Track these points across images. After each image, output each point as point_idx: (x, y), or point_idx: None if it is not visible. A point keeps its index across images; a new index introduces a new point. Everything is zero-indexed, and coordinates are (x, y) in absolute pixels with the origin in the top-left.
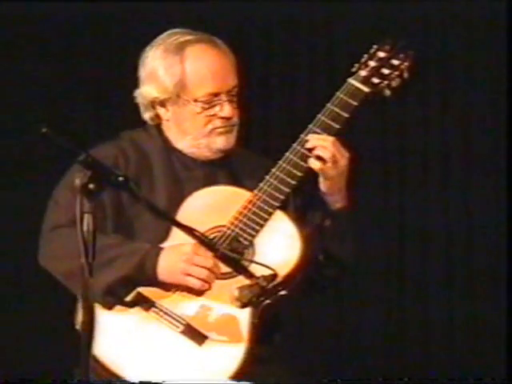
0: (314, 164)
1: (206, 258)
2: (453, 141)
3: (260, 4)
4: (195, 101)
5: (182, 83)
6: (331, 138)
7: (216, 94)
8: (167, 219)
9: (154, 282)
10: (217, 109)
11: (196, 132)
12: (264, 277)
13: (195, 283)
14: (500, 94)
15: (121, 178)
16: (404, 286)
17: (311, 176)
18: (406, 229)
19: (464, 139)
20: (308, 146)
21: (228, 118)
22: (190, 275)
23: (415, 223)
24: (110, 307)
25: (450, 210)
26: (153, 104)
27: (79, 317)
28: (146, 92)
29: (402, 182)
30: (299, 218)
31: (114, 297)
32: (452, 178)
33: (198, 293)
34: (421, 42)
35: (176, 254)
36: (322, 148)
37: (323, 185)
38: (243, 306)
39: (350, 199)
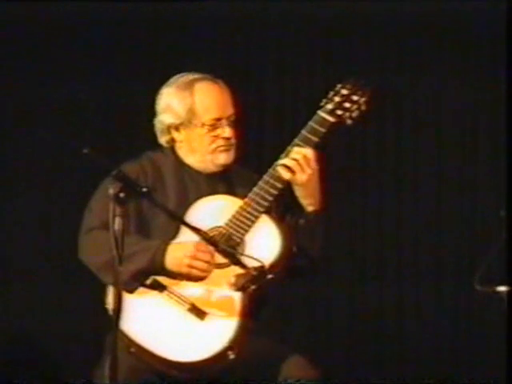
0: (283, 174)
1: (206, 253)
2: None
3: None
4: (202, 125)
5: (192, 111)
6: (303, 151)
7: (218, 119)
8: (178, 220)
9: (164, 272)
10: (219, 131)
11: (203, 150)
12: (254, 268)
13: (197, 274)
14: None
15: (144, 189)
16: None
17: (289, 188)
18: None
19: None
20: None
21: (228, 138)
22: (193, 267)
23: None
24: (131, 291)
25: (443, 209)
26: (169, 129)
27: (109, 298)
28: (163, 119)
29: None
30: (280, 220)
31: (135, 283)
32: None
33: (199, 280)
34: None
35: (181, 251)
36: (290, 160)
37: (295, 190)
38: (238, 289)
39: (323, 204)
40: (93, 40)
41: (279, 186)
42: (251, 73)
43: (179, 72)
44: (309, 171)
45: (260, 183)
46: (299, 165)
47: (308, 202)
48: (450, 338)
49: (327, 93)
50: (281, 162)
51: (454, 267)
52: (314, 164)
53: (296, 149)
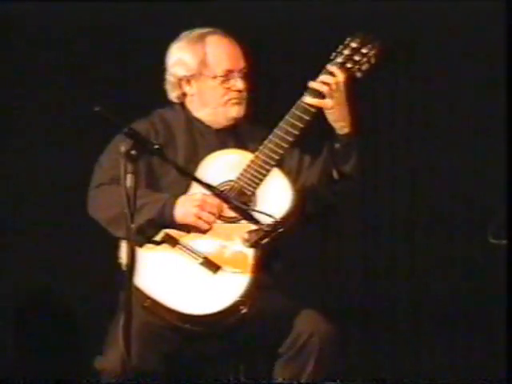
0: (313, 101)
1: (213, 205)
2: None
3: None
4: (214, 77)
5: (204, 63)
6: (330, 77)
7: (231, 71)
8: (190, 177)
9: (173, 224)
10: (231, 83)
11: (215, 102)
12: (267, 224)
13: (203, 225)
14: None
15: (156, 146)
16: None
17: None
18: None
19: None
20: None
21: (240, 91)
22: (200, 218)
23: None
24: (141, 245)
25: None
26: (180, 82)
27: (122, 253)
28: (175, 72)
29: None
30: (295, 171)
31: (144, 236)
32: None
33: (205, 232)
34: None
35: (190, 201)
36: (320, 84)
37: (328, 115)
38: (251, 246)
39: (355, 126)
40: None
41: (291, 138)
42: (259, 28)
43: (187, 24)
44: (338, 94)
45: (270, 136)
46: (329, 87)
47: (340, 124)
48: (463, 292)
49: (336, 46)
50: (311, 84)
51: (467, 220)
52: (342, 86)
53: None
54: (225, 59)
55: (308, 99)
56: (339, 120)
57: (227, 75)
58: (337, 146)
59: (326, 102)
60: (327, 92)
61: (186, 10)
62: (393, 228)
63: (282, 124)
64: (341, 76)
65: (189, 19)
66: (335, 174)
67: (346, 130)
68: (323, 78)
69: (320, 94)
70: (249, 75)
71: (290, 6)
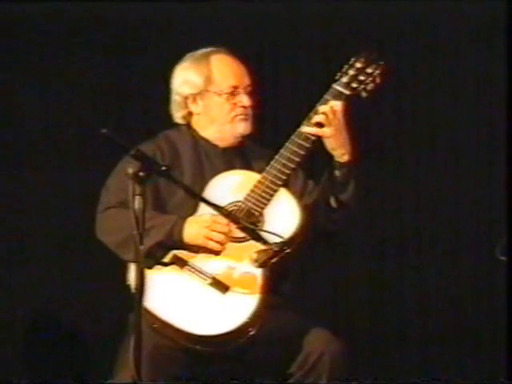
0: (312, 130)
1: (223, 225)
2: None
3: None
4: (220, 93)
5: (210, 79)
6: (326, 107)
7: (236, 87)
8: (198, 197)
9: (182, 245)
10: (237, 99)
11: (222, 119)
12: (276, 243)
13: (214, 245)
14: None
15: (164, 168)
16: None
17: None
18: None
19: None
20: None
21: (246, 107)
22: (210, 239)
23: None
24: (150, 267)
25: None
26: (186, 101)
27: (130, 276)
28: (181, 91)
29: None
30: (299, 195)
31: (153, 259)
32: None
33: (216, 253)
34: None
35: (199, 222)
36: (318, 115)
37: (326, 143)
38: (260, 266)
39: (355, 155)
40: (107, 21)
41: (298, 158)
42: (265, 48)
43: (194, 45)
44: (336, 122)
45: (277, 157)
46: (326, 117)
47: (339, 152)
48: (470, 310)
49: (341, 66)
50: (308, 117)
51: (473, 239)
52: (340, 115)
53: (322, 107)
54: (230, 75)
55: (306, 129)
56: (338, 148)
57: (233, 91)
58: (336, 173)
59: (325, 131)
60: (325, 121)
61: (191, 29)
62: (400, 247)
63: (288, 144)
64: (337, 104)
65: (194, 38)
66: (333, 203)
67: (345, 158)
68: (320, 107)
69: (318, 123)
70: (254, 93)
71: (296, 23)
